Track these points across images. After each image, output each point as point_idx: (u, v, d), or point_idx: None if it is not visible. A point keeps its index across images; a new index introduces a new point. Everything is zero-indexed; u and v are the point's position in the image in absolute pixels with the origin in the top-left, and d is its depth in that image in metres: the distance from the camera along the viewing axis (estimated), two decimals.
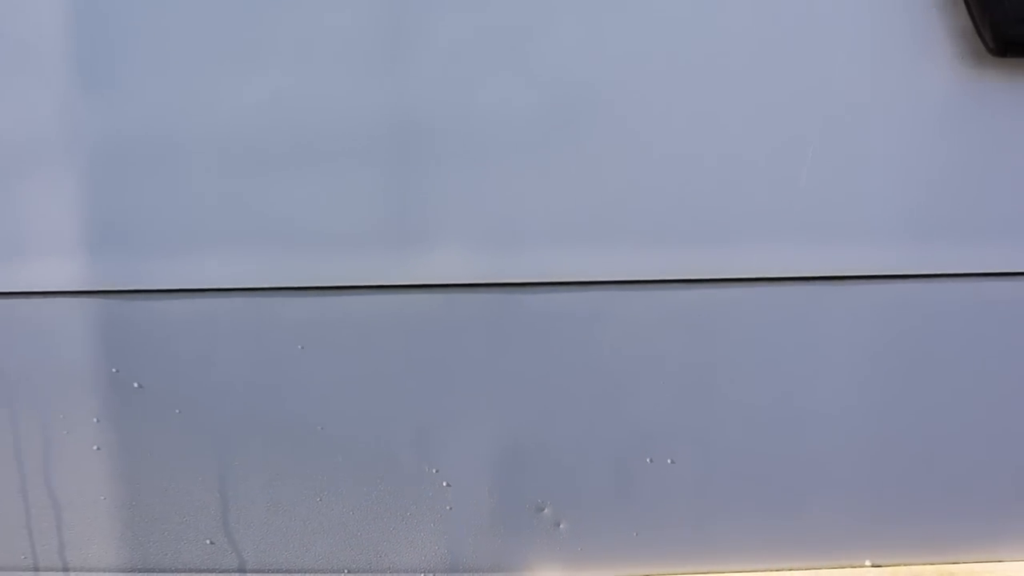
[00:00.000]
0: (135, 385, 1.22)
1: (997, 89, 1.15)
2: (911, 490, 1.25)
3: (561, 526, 1.25)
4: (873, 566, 1.29)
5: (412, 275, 1.18)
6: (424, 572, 1.26)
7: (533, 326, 1.18)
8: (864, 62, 1.16)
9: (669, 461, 1.23)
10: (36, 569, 1.29)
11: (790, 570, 1.27)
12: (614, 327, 1.18)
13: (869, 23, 1.15)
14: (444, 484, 1.23)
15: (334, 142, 1.16)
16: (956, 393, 1.21)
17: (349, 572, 1.27)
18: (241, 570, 1.27)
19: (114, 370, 1.22)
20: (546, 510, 1.25)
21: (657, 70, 1.14)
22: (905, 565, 1.29)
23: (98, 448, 1.24)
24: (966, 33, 1.15)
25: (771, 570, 1.27)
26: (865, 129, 1.16)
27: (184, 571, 1.27)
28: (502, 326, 1.19)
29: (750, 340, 1.20)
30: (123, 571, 1.28)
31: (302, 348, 1.20)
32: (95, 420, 1.23)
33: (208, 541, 1.26)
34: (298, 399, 1.22)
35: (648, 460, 1.23)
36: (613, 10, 1.14)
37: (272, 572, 1.27)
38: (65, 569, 1.28)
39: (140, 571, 1.28)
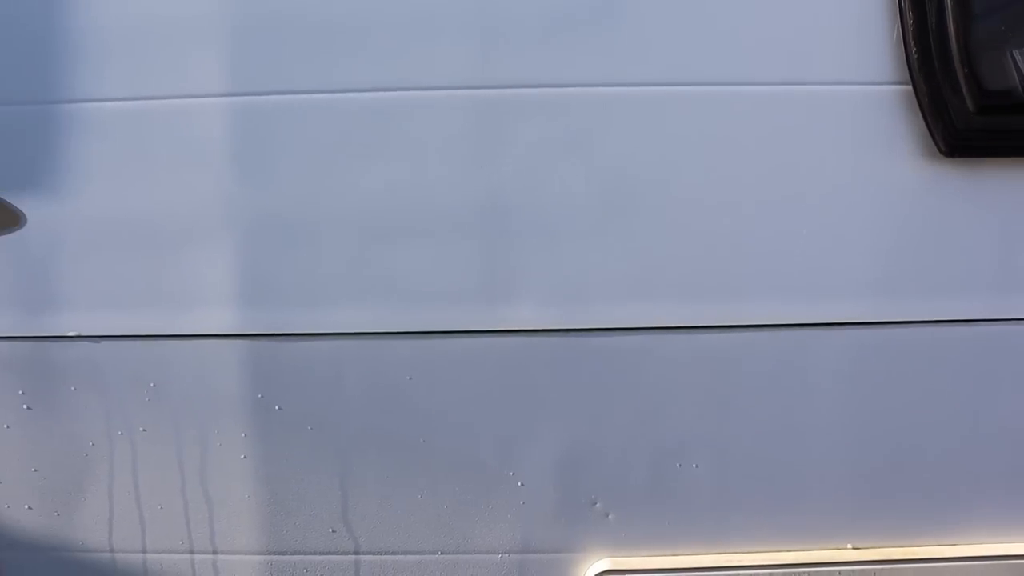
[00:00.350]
0: (276, 407, 1.56)
1: (949, 178, 1.50)
2: (885, 490, 1.59)
3: (609, 516, 1.59)
4: (853, 548, 1.63)
5: (497, 322, 1.52)
6: (500, 552, 1.60)
7: (592, 362, 1.53)
8: (848, 156, 1.50)
9: (694, 466, 1.58)
10: (191, 552, 1.62)
11: (788, 551, 1.61)
12: (655, 363, 1.53)
13: (853, 126, 1.49)
14: (519, 484, 1.57)
15: (438, 219, 1.50)
16: (917, 412, 1.56)
17: (442, 553, 1.61)
18: (356, 552, 1.61)
19: (259, 395, 1.55)
20: (597, 504, 1.59)
21: (687, 171, 1.49)
22: (879, 548, 1.64)
23: (244, 457, 1.58)
24: (924, 135, 1.49)
25: (772, 550, 1.61)
26: (847, 206, 1.50)
27: (311, 553, 1.61)
28: (567, 362, 1.53)
29: (757, 371, 1.54)
30: (261, 554, 1.62)
31: (410, 378, 1.54)
32: (243, 435, 1.57)
33: (331, 530, 1.60)
34: (405, 418, 1.55)
35: (677, 465, 1.58)
36: (650, 124, 1.48)
37: (381, 553, 1.60)
38: (215, 552, 1.61)
39: (275, 554, 1.61)
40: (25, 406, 1.58)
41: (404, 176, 1.49)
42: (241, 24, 1.49)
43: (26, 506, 1.62)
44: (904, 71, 1.47)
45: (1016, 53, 1.43)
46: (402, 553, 1.60)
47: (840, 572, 1.57)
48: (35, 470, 1.61)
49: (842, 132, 1.49)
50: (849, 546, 1.62)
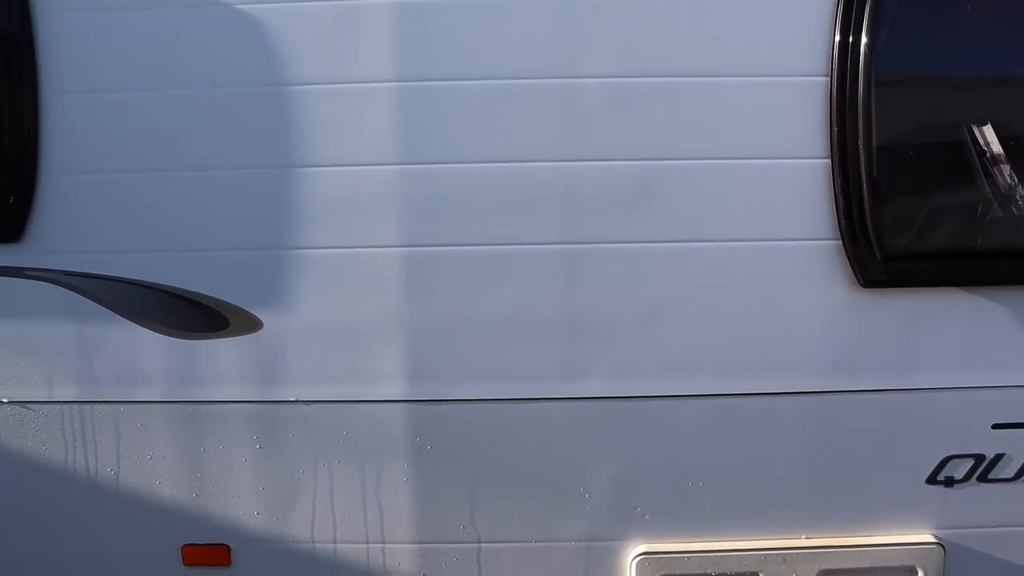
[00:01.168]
0: (428, 447, 2.37)
1: (866, 300, 2.32)
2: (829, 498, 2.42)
3: (646, 517, 2.42)
4: (807, 538, 2.46)
5: (574, 392, 2.33)
6: (575, 541, 2.42)
7: (633, 416, 2.35)
8: (801, 287, 2.32)
9: (700, 484, 2.41)
10: (367, 542, 2.43)
11: (758, 539, 2.43)
12: (673, 416, 2.35)
13: (805, 268, 2.31)
14: (587, 496, 2.40)
15: (535, 325, 2.32)
16: (842, 449, 2.39)
17: (535, 541, 2.43)
18: (479, 542, 2.42)
19: (417, 439, 2.37)
20: (637, 509, 2.42)
21: (697, 301, 2.31)
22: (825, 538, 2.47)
23: (406, 479, 2.39)
24: (850, 273, 2.31)
25: (750, 539, 2.43)
26: (801, 317, 2.33)
27: (448, 543, 2.43)
28: (619, 417, 2.35)
29: (735, 422, 2.37)
30: (414, 543, 2.43)
31: (517, 428, 2.35)
32: (405, 465, 2.38)
33: (461, 527, 2.42)
34: (514, 452, 2.37)
35: (690, 484, 2.40)
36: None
37: (495, 543, 2.42)
38: (383, 543, 2.42)
39: (424, 543, 2.42)
40: (257, 446, 2.39)
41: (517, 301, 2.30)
42: None
43: (255, 512, 2.43)
44: (837, 232, 2.29)
45: (906, 224, 2.26)
46: (509, 542, 2.42)
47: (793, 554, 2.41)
48: (262, 488, 2.42)
49: (798, 271, 2.31)
50: (803, 536, 2.46)
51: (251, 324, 2.34)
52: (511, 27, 2.24)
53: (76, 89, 2.30)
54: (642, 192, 2.29)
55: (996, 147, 2.22)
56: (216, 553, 2.46)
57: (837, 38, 2.22)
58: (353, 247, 2.32)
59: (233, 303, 2.33)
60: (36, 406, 2.42)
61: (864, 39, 2.19)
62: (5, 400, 2.42)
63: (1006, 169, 2.26)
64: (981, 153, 2.25)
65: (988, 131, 2.23)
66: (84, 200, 2.33)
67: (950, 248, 2.32)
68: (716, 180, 2.28)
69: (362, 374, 2.35)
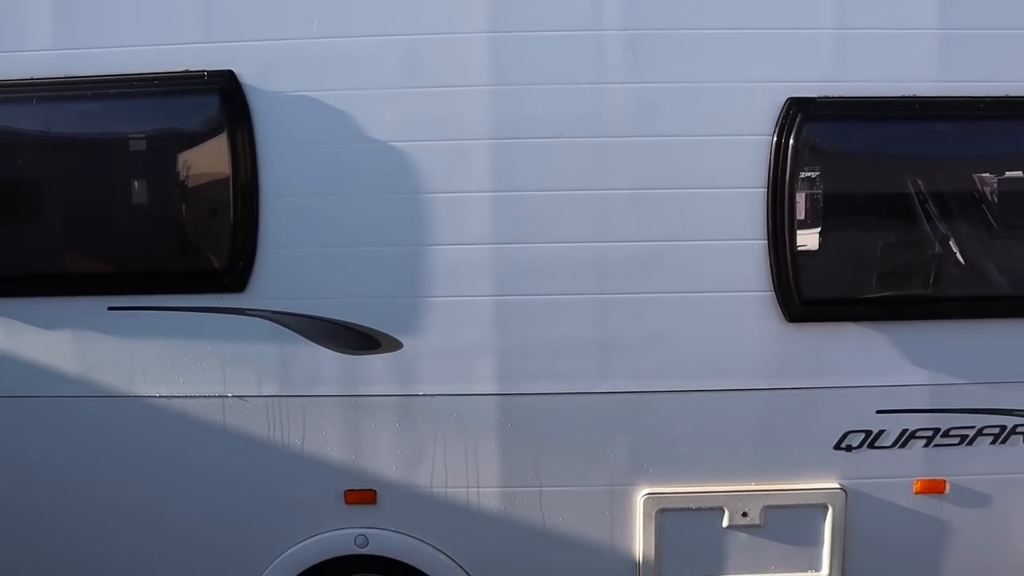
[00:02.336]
0: (508, 424, 3.66)
1: (792, 332, 3.61)
2: (770, 459, 3.71)
3: (649, 469, 3.70)
4: (755, 485, 3.75)
5: (607, 387, 3.63)
6: (602, 485, 3.70)
7: (642, 404, 3.64)
8: (742, 323, 3.61)
9: (685, 448, 3.69)
10: (467, 487, 3.71)
11: (728, 485, 3.72)
12: (664, 403, 3.64)
13: (746, 310, 3.60)
14: (611, 456, 3.68)
15: (573, 341, 3.62)
16: (777, 426, 3.68)
17: (574, 486, 3.71)
18: (540, 486, 3.70)
19: (501, 419, 3.66)
20: (645, 464, 3.70)
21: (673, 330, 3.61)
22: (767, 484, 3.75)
23: (494, 446, 3.69)
24: (780, 312, 3.60)
25: (726, 484, 3.72)
26: (741, 343, 3.61)
27: (518, 487, 3.71)
28: (634, 406, 3.64)
29: (712, 406, 3.65)
30: (499, 487, 3.71)
31: (574, 417, 3.65)
32: (494, 436, 3.67)
33: (529, 476, 3.71)
34: (563, 428, 3.66)
35: (679, 447, 3.69)
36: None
37: (552, 487, 3.69)
38: (479, 487, 3.71)
39: (507, 487, 3.71)
40: (396, 424, 3.67)
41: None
42: None
43: (394, 468, 3.71)
44: (773, 287, 3.58)
45: (816, 281, 3.56)
46: (560, 487, 3.71)
47: (746, 495, 3.69)
48: (399, 452, 3.70)
49: (746, 311, 3.59)
50: (753, 483, 3.74)
51: (395, 345, 3.63)
52: (565, 158, 3.52)
53: (282, 195, 3.57)
54: (647, 262, 3.57)
55: (868, 234, 3.53)
56: (367, 495, 3.74)
57: (771, 168, 3.51)
58: (461, 296, 3.60)
59: (384, 331, 3.62)
60: (250, 399, 3.70)
61: (787, 172, 3.48)
62: (230, 395, 3.70)
63: (878, 245, 3.56)
64: (861, 236, 3.55)
65: (865, 224, 3.54)
66: (285, 265, 3.60)
67: (846, 296, 3.62)
68: (695, 254, 3.57)
69: (466, 378, 3.63)
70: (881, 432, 3.66)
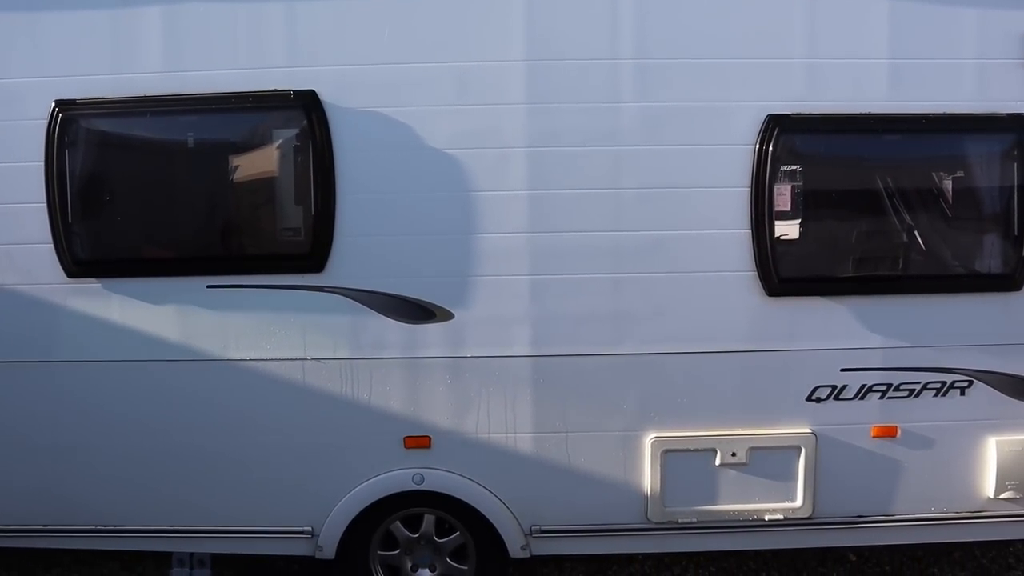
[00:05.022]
0: (540, 381, 4.46)
1: (771, 304, 4.43)
2: (754, 408, 4.52)
3: (655, 417, 4.49)
4: (742, 429, 4.56)
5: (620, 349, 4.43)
6: (617, 431, 4.49)
7: (646, 363, 4.46)
8: (730, 295, 4.40)
9: (684, 400, 4.50)
10: (505, 433, 4.50)
11: (719, 429, 4.53)
12: (665, 363, 4.45)
13: (734, 285, 4.41)
14: (624, 407, 4.46)
15: (594, 311, 4.42)
16: (758, 381, 4.49)
17: (592, 431, 4.51)
18: (566, 431, 4.50)
19: (534, 376, 4.46)
20: (652, 414, 4.50)
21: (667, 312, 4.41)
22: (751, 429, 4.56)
23: (528, 398, 4.48)
24: (760, 288, 4.41)
25: (713, 429, 4.53)
26: (726, 311, 4.40)
27: (547, 432, 4.51)
28: (643, 366, 4.44)
29: (706, 365, 4.45)
30: (530, 433, 4.50)
31: (595, 367, 4.44)
32: (528, 390, 4.47)
33: (557, 423, 4.50)
34: (580, 384, 4.47)
35: (677, 399, 4.50)
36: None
37: (577, 431, 4.49)
38: (515, 432, 4.50)
39: (537, 433, 4.50)
40: (448, 381, 4.46)
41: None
42: None
43: (445, 417, 4.49)
44: (755, 267, 4.39)
45: (791, 262, 4.38)
46: (582, 432, 4.50)
47: (734, 438, 4.50)
48: (450, 404, 4.48)
49: (734, 288, 4.39)
50: (739, 428, 4.55)
51: (448, 316, 4.41)
52: (587, 163, 4.33)
53: (355, 192, 4.35)
54: (653, 247, 4.36)
55: (835, 225, 4.36)
56: (423, 441, 4.51)
57: (754, 171, 4.32)
58: (502, 275, 4.39)
59: (439, 304, 4.40)
60: (327, 361, 4.47)
61: (767, 174, 4.29)
62: (309, 358, 4.48)
63: (842, 233, 4.38)
64: (828, 226, 4.38)
65: (832, 216, 4.37)
66: (357, 250, 4.36)
67: (815, 275, 4.42)
68: (692, 241, 4.37)
69: (506, 342, 4.40)
70: (844, 387, 4.35)
